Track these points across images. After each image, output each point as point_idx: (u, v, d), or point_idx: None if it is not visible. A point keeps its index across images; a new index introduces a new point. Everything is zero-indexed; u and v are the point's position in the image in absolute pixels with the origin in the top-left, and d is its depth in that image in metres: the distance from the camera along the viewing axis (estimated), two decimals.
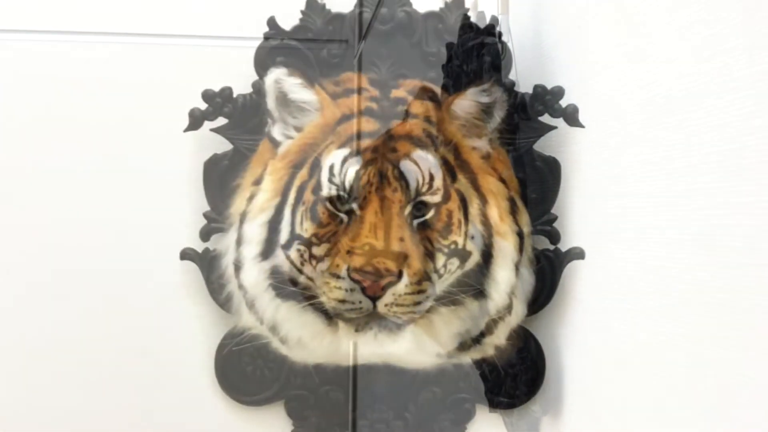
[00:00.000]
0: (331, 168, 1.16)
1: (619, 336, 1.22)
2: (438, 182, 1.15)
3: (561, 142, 1.24)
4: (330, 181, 1.16)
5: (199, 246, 1.27)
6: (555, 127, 1.24)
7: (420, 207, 1.16)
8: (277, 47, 1.24)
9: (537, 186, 1.24)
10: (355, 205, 1.15)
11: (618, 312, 1.22)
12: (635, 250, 1.20)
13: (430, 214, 1.16)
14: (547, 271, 1.24)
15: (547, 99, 1.23)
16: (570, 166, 1.23)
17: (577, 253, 1.23)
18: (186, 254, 1.26)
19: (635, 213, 1.20)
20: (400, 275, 1.12)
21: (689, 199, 1.20)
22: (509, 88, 1.22)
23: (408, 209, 1.15)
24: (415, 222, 1.16)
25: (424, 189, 1.15)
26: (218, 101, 1.24)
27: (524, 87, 1.25)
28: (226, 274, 1.24)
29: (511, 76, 1.25)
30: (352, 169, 1.15)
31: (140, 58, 1.29)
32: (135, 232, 1.29)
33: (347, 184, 1.15)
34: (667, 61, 1.17)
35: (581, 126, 1.21)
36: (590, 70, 1.20)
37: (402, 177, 1.15)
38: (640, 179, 1.19)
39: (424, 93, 1.21)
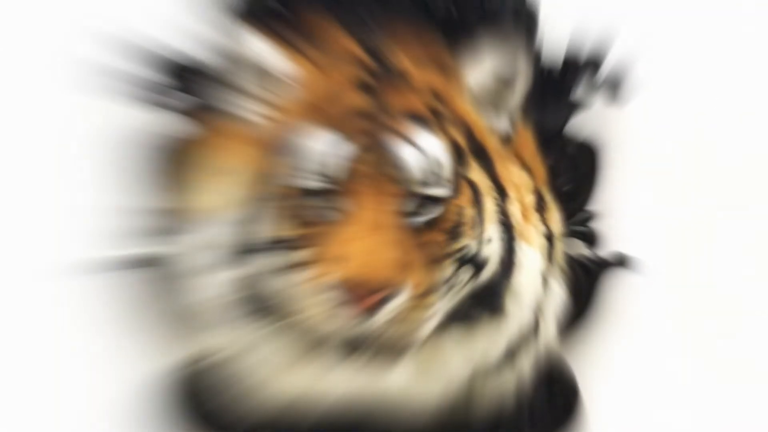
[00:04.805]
0: (315, 154, 1.07)
1: (671, 363, 1.22)
2: (446, 171, 1.07)
3: (599, 124, 1.20)
4: (313, 170, 1.06)
5: (151, 251, 1.18)
6: (592, 105, 1.18)
7: (424, 202, 1.07)
8: (251, 7, 1.16)
9: (570, 177, 1.18)
10: (344, 201, 1.06)
11: (670, 333, 1.22)
12: (692, 256, 1.21)
13: (437, 211, 1.07)
14: (582, 283, 1.18)
15: (582, 70, 1.17)
16: (610, 152, 1.20)
17: (620, 260, 1.17)
18: (136, 262, 1.19)
19: (694, 211, 1.21)
20: (399, 287, 1.03)
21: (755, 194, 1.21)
22: (536, 57, 1.15)
23: (409, 205, 1.06)
24: (419, 221, 1.07)
25: (429, 180, 1.06)
26: (177, 71, 1.17)
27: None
28: (185, 286, 1.14)
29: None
30: (341, 155, 1.06)
31: (86, 16, 1.21)
32: (70, 235, 1.22)
33: (335, 174, 1.06)
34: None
35: (624, 104, 1.17)
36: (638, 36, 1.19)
37: (401, 165, 1.06)
38: (703, 169, 1.20)
39: (430, 61, 1.12)
